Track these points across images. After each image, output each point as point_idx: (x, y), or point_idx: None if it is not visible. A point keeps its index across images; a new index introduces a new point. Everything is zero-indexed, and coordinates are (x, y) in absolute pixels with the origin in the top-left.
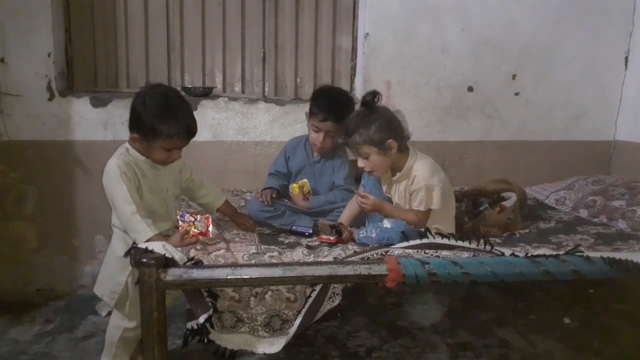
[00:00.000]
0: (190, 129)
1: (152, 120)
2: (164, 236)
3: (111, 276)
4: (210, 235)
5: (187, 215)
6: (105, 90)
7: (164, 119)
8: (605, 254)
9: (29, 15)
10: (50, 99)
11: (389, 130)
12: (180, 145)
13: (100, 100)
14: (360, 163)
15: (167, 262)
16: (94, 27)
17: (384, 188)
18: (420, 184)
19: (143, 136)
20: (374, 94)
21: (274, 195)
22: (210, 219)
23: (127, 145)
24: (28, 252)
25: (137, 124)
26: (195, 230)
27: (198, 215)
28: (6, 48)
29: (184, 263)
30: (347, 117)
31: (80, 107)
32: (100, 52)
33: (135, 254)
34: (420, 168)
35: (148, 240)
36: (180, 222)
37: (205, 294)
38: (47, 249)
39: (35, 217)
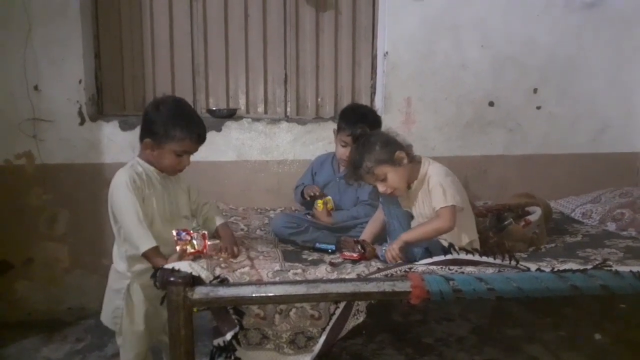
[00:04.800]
0: (200, 134)
1: (165, 124)
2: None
3: (109, 301)
4: (207, 251)
5: (184, 233)
6: (133, 114)
7: (177, 122)
8: (635, 268)
9: (61, 45)
10: (81, 123)
11: (391, 144)
12: (190, 149)
13: (128, 124)
14: (381, 187)
15: (194, 281)
16: (122, 54)
17: (402, 203)
18: (434, 182)
19: (155, 140)
20: (362, 130)
21: (316, 193)
22: (206, 235)
23: (137, 158)
24: (60, 272)
25: (150, 129)
26: (192, 250)
27: (194, 233)
28: (39, 76)
29: (210, 281)
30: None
31: (110, 131)
32: (128, 77)
33: (163, 274)
34: (433, 171)
35: (146, 254)
36: (177, 240)
37: (231, 311)
38: (78, 268)
39: (67, 238)
